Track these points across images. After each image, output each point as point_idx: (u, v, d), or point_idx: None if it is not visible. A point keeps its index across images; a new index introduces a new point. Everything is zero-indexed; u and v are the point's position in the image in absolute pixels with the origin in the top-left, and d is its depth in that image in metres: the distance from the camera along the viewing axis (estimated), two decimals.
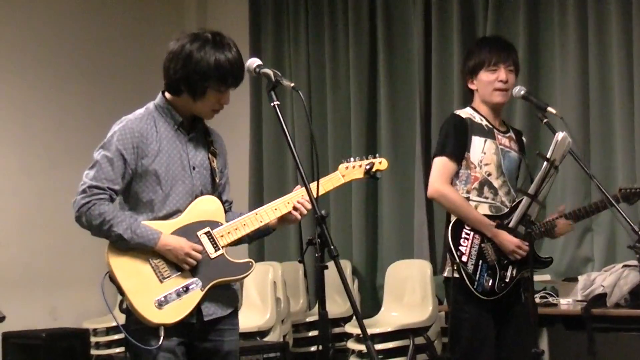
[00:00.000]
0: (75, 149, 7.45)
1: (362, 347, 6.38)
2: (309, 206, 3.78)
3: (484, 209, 4.64)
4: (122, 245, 3.62)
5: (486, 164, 4.65)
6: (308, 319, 7.27)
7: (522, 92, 4.74)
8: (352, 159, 4.08)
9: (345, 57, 7.67)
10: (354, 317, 6.60)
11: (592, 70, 6.25)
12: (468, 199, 4.62)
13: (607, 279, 5.59)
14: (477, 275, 4.55)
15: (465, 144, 4.61)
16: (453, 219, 4.64)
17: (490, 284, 4.57)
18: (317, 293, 3.73)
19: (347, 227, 7.46)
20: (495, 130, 4.71)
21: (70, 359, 6.79)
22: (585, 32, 6.27)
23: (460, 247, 4.57)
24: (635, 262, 4.81)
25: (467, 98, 6.65)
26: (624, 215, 4.37)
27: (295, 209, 3.84)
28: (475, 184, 4.65)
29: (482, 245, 4.61)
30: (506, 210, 4.65)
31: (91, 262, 6.87)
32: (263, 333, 6.76)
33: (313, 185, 3.54)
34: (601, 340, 5.55)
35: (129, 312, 3.65)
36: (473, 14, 6.89)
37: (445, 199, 4.64)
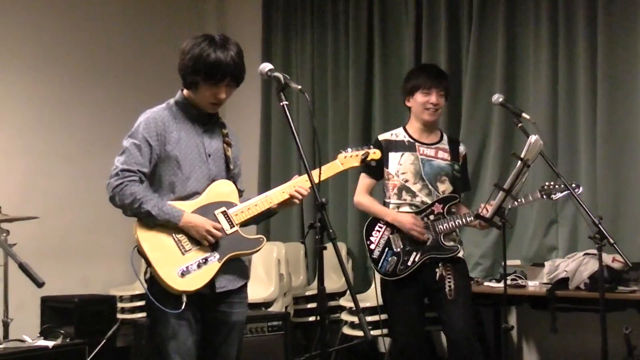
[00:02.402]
0: (107, 139, 7.39)
1: (354, 319, 6.38)
2: (306, 193, 3.82)
3: (406, 208, 4.99)
4: (150, 222, 3.61)
5: (403, 173, 4.99)
6: (307, 293, 7.25)
7: (500, 100, 4.81)
8: (349, 149, 4.18)
9: (345, 65, 7.62)
10: (348, 292, 6.63)
11: (561, 82, 6.22)
12: (386, 203, 5.05)
13: (569, 265, 5.58)
14: (381, 260, 4.97)
15: (380, 162, 4.87)
16: (370, 217, 5.11)
17: (392, 267, 4.92)
18: (316, 270, 3.71)
19: (344, 213, 7.43)
20: (417, 144, 5.03)
21: (99, 321, 6.76)
22: (556, 49, 6.25)
23: (371, 238, 5.04)
24: (594, 251, 4.78)
25: (450, 105, 6.73)
26: (586, 209, 4.38)
27: (292, 196, 3.84)
28: (395, 190, 5.01)
29: (391, 236, 4.98)
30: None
31: (118, 238, 6.88)
32: (267, 304, 6.74)
33: (315, 173, 3.53)
34: (563, 318, 5.58)
35: (152, 282, 3.65)
36: (458, 31, 6.84)
37: (360, 205, 5.20)
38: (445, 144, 5.09)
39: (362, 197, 5.16)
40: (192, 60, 3.67)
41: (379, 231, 5.03)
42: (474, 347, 4.85)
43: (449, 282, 4.85)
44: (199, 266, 3.64)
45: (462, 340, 4.79)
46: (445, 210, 4.97)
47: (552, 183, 4.88)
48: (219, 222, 3.72)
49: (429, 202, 4.96)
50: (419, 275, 4.92)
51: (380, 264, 4.98)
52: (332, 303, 6.89)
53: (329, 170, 3.99)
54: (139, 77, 8.07)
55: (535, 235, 6.26)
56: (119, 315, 7.15)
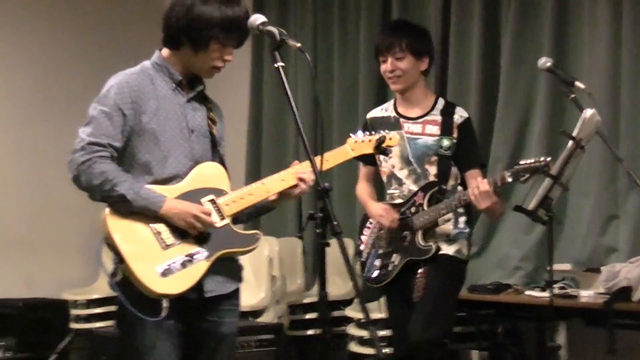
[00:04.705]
0: (58, 106, 7.40)
1: (363, 333, 6.33)
2: (311, 183, 3.80)
3: (397, 200, 5.05)
4: (124, 208, 3.58)
5: (390, 157, 5.00)
6: (305, 300, 7.27)
7: (548, 64, 4.78)
8: (360, 132, 4.17)
9: (355, 19, 7.60)
10: (356, 300, 6.64)
11: (626, 42, 6.14)
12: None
13: (632, 272, 5.55)
14: (368, 264, 5.11)
15: None
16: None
17: (377, 272, 5.04)
18: (317, 272, 3.72)
19: (352, 202, 7.39)
20: (402, 120, 5.05)
21: (47, 331, 6.78)
22: (620, 2, 6.21)
23: (362, 237, 5.18)
24: None
25: (485, 69, 6.71)
26: None
27: (301, 179, 3.82)
28: (384, 178, 5.14)
29: (379, 232, 5.07)
30: None
31: (72, 228, 6.90)
32: (256, 313, 6.76)
33: (317, 159, 3.53)
34: (623, 337, 5.55)
35: (124, 284, 3.58)
36: None
37: (357, 196, 5.32)
38: (436, 115, 5.04)
39: (358, 186, 5.33)
40: (201, 13, 3.68)
41: (369, 228, 5.15)
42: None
43: (421, 282, 4.89)
44: (183, 265, 3.59)
45: (415, 349, 4.82)
46: (426, 200, 4.94)
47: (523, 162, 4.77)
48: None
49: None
50: (401, 279, 5.01)
51: (367, 268, 5.11)
52: (337, 313, 6.88)
53: (336, 157, 3.99)
54: (101, 32, 8.06)
55: (590, 234, 6.22)
56: (72, 325, 7.17)
